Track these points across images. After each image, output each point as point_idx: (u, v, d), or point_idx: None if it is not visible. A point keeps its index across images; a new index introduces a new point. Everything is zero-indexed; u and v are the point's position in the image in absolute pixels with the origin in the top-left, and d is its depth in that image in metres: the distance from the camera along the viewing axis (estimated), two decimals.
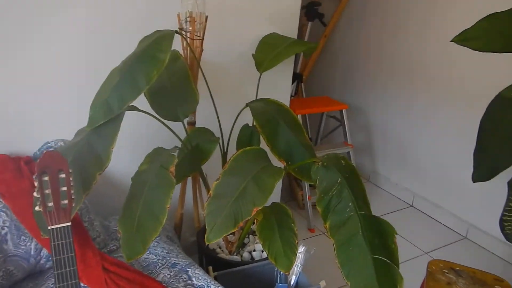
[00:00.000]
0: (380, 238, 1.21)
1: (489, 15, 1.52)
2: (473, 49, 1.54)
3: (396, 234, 1.24)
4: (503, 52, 1.51)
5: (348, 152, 2.73)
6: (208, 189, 1.67)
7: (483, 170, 1.76)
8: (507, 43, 1.47)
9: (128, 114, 1.75)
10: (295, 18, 2.04)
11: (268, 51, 1.80)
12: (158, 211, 1.21)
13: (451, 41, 1.58)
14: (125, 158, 1.82)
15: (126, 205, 1.28)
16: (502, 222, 1.73)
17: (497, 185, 2.43)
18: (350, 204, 1.19)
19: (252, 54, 1.84)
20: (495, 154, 1.70)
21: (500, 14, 1.51)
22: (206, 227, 1.22)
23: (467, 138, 2.54)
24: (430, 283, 1.55)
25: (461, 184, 2.63)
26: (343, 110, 2.69)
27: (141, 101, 1.53)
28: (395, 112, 2.93)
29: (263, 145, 1.62)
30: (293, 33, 2.06)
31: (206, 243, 1.20)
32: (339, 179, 1.21)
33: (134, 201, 1.26)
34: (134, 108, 1.38)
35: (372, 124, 3.12)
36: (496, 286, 1.58)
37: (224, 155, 1.70)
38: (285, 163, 1.50)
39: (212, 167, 1.96)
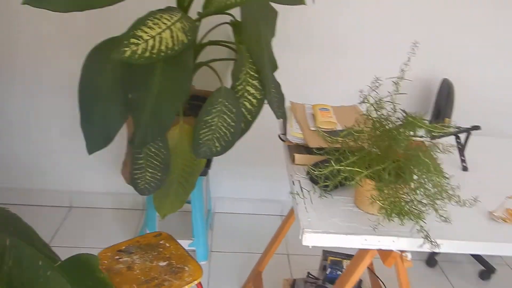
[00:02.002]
0: (90, 278, 0.93)
1: None
2: (53, 11, 1.30)
3: (99, 260, 0.99)
4: (85, 10, 1.35)
5: None
6: None
7: (96, 139, 1.64)
8: None
9: None
10: None
11: None
12: None
13: (22, 3, 1.25)
14: None
15: None
16: (134, 181, 1.72)
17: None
18: (40, 263, 0.83)
19: None
20: (103, 120, 1.60)
21: None
22: None
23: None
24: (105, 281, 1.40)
25: (52, 157, 2.41)
26: None
27: None
28: None
29: None
30: None
31: None
32: (8, 241, 0.80)
33: None
34: None
35: None
36: (160, 242, 1.61)
37: None
38: None
39: None
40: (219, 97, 1.59)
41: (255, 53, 1.63)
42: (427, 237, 1.03)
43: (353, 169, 1.11)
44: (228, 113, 1.61)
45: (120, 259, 1.48)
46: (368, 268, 1.85)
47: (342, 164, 1.11)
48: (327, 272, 1.72)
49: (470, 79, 2.34)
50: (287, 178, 2.59)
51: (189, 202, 2.16)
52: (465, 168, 1.47)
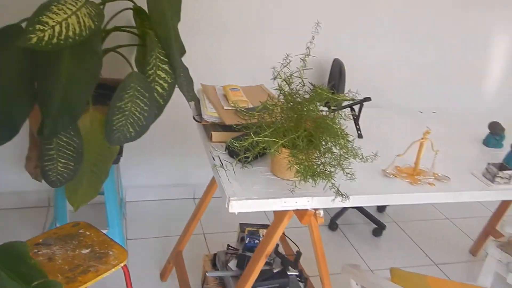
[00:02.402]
0: (22, 264, 0.93)
1: None
2: None
3: (28, 248, 0.98)
4: None
5: None
6: None
7: (2, 131, 1.55)
8: None
9: None
10: None
11: None
12: None
13: None
14: None
15: None
16: (45, 173, 1.65)
17: None
18: None
19: None
20: (7, 111, 1.52)
21: None
22: None
23: None
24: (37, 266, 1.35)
25: None
26: None
27: None
28: None
29: None
30: None
31: None
32: None
33: None
34: None
35: None
36: (80, 231, 1.59)
37: None
38: None
39: None
40: (131, 82, 1.60)
41: (163, 38, 1.66)
42: (338, 191, 1.19)
43: (270, 139, 1.22)
44: (141, 97, 1.63)
45: (39, 252, 1.44)
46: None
47: (260, 136, 1.22)
48: (246, 242, 1.84)
49: (358, 58, 2.62)
50: (198, 162, 2.66)
51: (102, 193, 2.12)
52: (360, 136, 1.68)
